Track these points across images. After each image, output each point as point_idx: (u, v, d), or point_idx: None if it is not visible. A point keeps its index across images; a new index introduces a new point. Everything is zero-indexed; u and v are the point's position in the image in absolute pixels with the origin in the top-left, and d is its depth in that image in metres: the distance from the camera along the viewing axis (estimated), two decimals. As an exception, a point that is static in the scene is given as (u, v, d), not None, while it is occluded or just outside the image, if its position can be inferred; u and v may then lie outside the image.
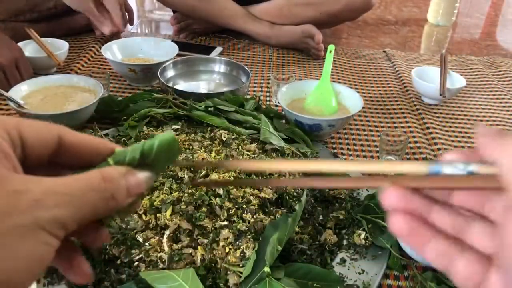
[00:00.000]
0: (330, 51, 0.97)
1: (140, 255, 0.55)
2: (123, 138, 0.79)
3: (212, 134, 0.78)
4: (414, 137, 0.96)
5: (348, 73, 1.29)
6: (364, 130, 0.99)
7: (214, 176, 0.63)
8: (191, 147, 0.72)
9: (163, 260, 0.54)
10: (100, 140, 0.28)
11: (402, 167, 0.26)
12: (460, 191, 0.26)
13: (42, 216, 0.20)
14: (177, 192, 0.60)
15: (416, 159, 0.89)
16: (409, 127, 1.01)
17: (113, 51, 1.14)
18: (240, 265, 0.54)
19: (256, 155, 0.72)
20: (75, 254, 0.27)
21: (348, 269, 0.60)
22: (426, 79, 1.12)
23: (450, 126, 1.03)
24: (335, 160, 0.28)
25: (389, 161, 0.26)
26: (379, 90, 1.19)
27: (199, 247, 0.55)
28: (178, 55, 1.14)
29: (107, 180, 0.25)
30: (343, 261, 0.61)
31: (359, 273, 0.59)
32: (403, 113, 1.07)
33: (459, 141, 0.97)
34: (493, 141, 0.23)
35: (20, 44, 1.09)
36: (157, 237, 0.56)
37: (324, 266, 0.59)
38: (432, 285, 0.57)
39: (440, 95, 1.05)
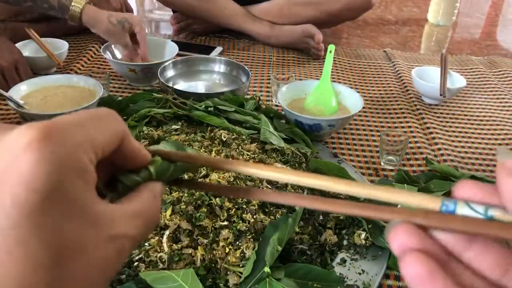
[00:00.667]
0: (330, 51, 0.97)
1: (140, 255, 0.55)
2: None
3: (212, 134, 0.78)
4: (414, 137, 0.96)
5: (348, 73, 1.29)
6: (364, 130, 0.99)
7: (214, 176, 0.63)
8: (191, 147, 0.72)
9: (163, 260, 0.54)
10: (143, 148, 0.26)
11: (412, 198, 0.22)
12: (477, 246, 0.22)
13: (123, 262, 0.22)
14: (177, 192, 0.60)
15: (416, 159, 0.89)
16: (409, 127, 1.01)
17: (112, 51, 1.14)
18: (240, 265, 0.54)
19: (256, 155, 0.72)
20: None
21: (348, 269, 0.60)
22: (426, 79, 1.12)
23: (451, 126, 1.03)
24: (339, 179, 0.24)
25: (396, 189, 0.23)
26: (379, 90, 1.19)
27: (199, 247, 0.55)
28: (178, 55, 1.14)
29: (159, 206, 0.25)
30: (343, 261, 0.61)
31: (360, 273, 0.59)
32: (403, 113, 1.07)
33: (459, 141, 0.97)
34: None
35: (19, 44, 1.09)
36: (157, 237, 0.56)
37: (324, 266, 0.59)
38: (433, 285, 0.57)
39: (440, 95, 1.05)
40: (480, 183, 0.22)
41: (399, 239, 0.21)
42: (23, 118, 0.85)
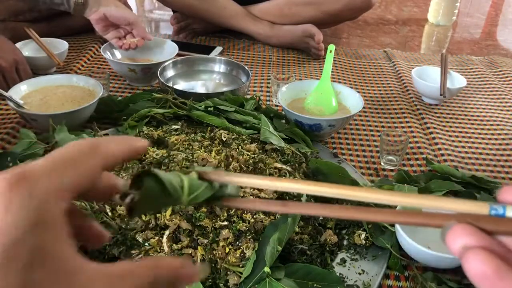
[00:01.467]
0: (331, 51, 0.97)
1: (140, 255, 0.54)
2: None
3: (212, 134, 0.77)
4: (414, 137, 0.96)
5: (348, 73, 1.29)
6: (364, 130, 0.99)
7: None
8: (191, 147, 0.72)
9: (163, 260, 0.54)
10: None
11: (459, 205, 0.22)
12: None
13: None
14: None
15: (416, 159, 0.89)
16: (410, 127, 1.01)
17: (112, 51, 1.14)
18: (240, 265, 0.54)
19: (256, 155, 0.72)
20: (86, 221, 0.26)
21: (349, 270, 0.60)
22: (427, 79, 1.12)
23: (451, 126, 1.03)
24: (376, 190, 0.25)
25: (443, 197, 0.23)
26: (379, 90, 1.19)
27: (199, 247, 0.55)
28: (178, 55, 1.14)
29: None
30: (343, 261, 0.61)
31: (360, 274, 0.59)
32: (403, 113, 1.07)
33: (459, 141, 0.97)
34: None
35: (19, 44, 1.09)
36: (157, 237, 0.56)
37: (324, 266, 0.59)
38: (433, 285, 0.57)
39: (441, 95, 1.05)
40: None
41: (459, 240, 0.20)
42: (23, 118, 0.85)
